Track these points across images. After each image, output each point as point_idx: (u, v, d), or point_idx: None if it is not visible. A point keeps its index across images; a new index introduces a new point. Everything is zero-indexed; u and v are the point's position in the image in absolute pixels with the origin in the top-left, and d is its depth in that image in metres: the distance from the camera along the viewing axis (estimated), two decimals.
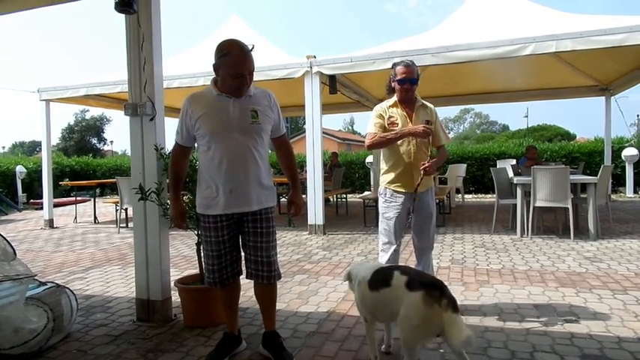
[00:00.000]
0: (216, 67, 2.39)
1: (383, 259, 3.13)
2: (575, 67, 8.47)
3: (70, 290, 3.11)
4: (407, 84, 3.04)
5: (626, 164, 10.91)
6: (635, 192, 10.98)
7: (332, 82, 7.08)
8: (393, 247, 3.16)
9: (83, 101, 9.11)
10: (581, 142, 15.28)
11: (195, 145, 2.56)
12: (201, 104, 2.44)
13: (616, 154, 10.92)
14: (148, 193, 3.07)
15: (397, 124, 3.06)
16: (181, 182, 2.66)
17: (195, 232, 3.02)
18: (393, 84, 3.13)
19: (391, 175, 3.11)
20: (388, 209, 3.15)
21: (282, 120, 2.65)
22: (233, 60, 2.31)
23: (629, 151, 10.84)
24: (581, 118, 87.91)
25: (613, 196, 10.45)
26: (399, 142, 3.05)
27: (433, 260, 3.31)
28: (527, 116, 38.99)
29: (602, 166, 6.52)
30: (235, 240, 2.54)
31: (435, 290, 2.02)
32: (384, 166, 3.19)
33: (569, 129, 41.26)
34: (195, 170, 2.64)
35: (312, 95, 6.70)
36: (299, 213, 2.72)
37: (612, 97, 9.73)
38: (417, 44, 6.46)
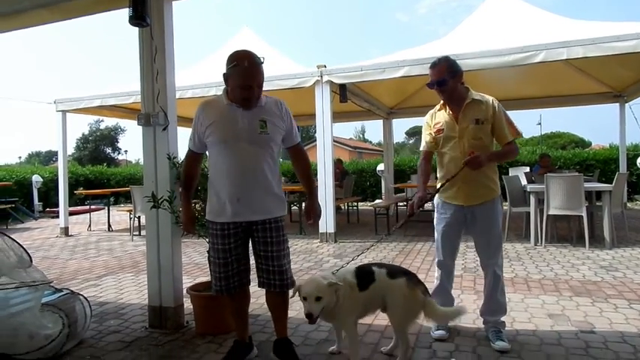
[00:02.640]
0: (226, 77, 2.43)
1: (435, 275, 3.01)
2: (587, 73, 8.40)
3: (84, 297, 3.16)
4: (434, 87, 2.82)
5: None
6: None
7: (342, 91, 7.12)
8: (444, 265, 2.94)
9: (98, 112, 9.27)
10: (595, 149, 15.05)
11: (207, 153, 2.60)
12: (212, 112, 2.48)
13: (631, 161, 10.75)
14: (160, 202, 3.12)
15: (442, 130, 2.83)
16: (193, 188, 2.72)
17: (207, 240, 3.05)
18: None
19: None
20: (438, 220, 2.93)
21: (295, 128, 2.62)
22: (243, 71, 2.34)
23: None
24: (596, 125, 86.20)
25: (629, 204, 10.28)
26: (446, 148, 2.81)
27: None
28: (540, 123, 38.59)
29: (617, 173, 6.43)
30: (243, 249, 2.54)
31: (413, 277, 2.48)
32: (439, 173, 2.94)
33: (583, 136, 40.60)
34: (207, 178, 2.68)
35: (323, 104, 6.74)
36: (316, 222, 2.74)
37: (627, 104, 9.62)
38: (427, 53, 6.47)
